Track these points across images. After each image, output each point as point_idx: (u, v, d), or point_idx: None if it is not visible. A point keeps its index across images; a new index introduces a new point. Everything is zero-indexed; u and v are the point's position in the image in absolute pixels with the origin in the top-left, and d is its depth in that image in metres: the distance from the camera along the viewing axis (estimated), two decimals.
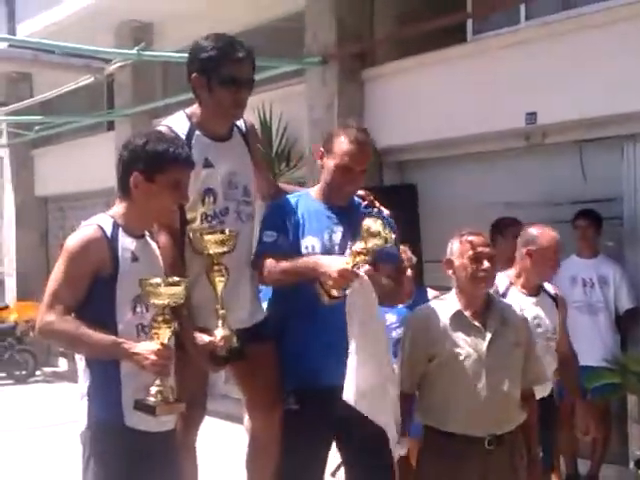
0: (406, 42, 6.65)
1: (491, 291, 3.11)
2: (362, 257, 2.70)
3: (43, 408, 8.24)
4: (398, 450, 2.95)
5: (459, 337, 2.92)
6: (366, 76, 6.76)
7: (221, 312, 2.71)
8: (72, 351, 2.53)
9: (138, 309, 2.50)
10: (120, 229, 2.53)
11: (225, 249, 2.70)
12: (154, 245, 2.67)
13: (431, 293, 4.31)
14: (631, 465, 5.16)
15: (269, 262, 2.88)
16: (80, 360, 2.57)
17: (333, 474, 4.48)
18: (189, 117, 2.89)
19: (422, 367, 2.97)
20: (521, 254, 3.68)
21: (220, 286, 2.70)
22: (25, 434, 7.20)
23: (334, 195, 2.97)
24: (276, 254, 2.88)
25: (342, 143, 2.92)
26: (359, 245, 2.70)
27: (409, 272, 4.14)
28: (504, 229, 4.61)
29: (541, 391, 3.46)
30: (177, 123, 2.87)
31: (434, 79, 6.20)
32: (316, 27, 6.83)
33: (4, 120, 10.70)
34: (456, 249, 2.96)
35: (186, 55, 2.91)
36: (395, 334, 3.85)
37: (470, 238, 2.93)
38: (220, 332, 2.68)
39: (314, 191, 3.06)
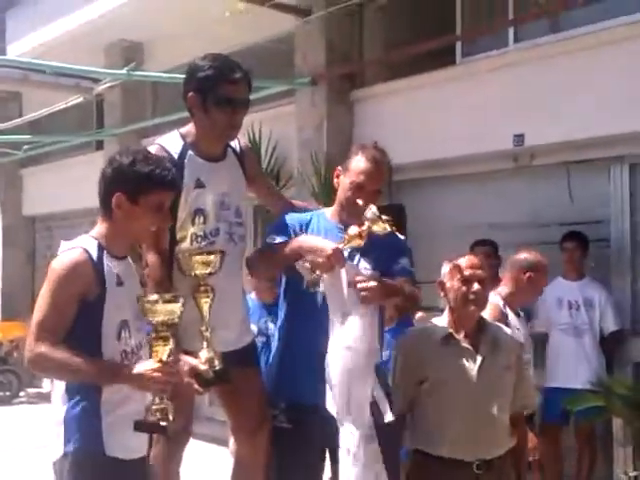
0: (396, 64, 6.70)
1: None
2: (357, 241, 2.72)
3: (27, 429, 8.12)
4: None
5: (450, 360, 2.89)
6: (355, 97, 6.79)
7: (206, 334, 2.67)
8: (65, 381, 2.43)
9: (123, 334, 2.44)
10: (105, 252, 2.46)
11: (210, 269, 2.66)
12: (134, 266, 2.63)
13: (416, 314, 4.30)
14: None
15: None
16: (58, 383, 2.47)
17: None
18: (183, 137, 2.89)
19: (412, 390, 2.94)
20: (519, 277, 3.78)
21: (205, 307, 2.67)
22: (9, 455, 7.09)
23: (347, 213, 2.95)
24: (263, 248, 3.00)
25: (359, 161, 2.93)
26: (354, 229, 2.71)
27: None
28: (474, 248, 4.85)
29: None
30: (170, 142, 2.87)
31: (423, 101, 6.22)
32: (306, 48, 6.86)
33: None
34: (447, 271, 2.95)
35: (176, 76, 2.92)
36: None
37: (461, 260, 2.93)
38: (205, 354, 2.64)
39: (329, 211, 3.06)
